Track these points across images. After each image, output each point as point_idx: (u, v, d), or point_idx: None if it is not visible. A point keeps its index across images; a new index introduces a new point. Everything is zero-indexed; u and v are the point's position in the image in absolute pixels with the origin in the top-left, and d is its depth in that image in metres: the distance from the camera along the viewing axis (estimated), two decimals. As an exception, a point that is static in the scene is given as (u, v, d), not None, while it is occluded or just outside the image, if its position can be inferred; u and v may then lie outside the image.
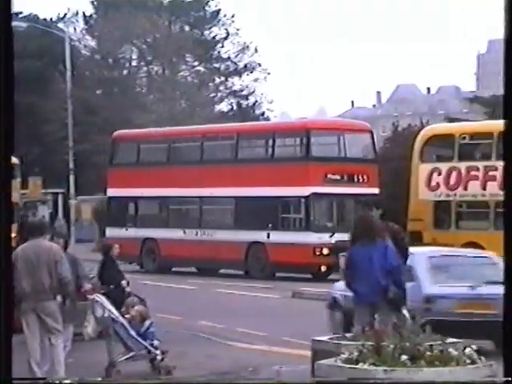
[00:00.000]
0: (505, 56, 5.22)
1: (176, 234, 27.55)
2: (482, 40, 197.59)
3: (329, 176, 25.33)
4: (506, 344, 5.32)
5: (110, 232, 29.32)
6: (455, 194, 25.54)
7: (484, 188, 25.22)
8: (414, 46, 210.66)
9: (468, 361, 6.94)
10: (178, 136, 29.83)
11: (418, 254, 12.77)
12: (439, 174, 25.93)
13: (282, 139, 27.30)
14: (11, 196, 6.23)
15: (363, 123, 28.91)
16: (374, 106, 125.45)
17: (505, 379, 5.43)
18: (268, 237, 25.69)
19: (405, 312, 9.32)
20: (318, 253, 24.59)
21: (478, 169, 25.48)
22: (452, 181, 25.64)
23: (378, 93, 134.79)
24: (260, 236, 25.81)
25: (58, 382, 8.48)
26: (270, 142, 26.63)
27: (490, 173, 25.07)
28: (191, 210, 28.91)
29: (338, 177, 25.49)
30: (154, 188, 28.37)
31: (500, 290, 13.11)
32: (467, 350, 7.07)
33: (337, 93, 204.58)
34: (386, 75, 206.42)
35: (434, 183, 26.02)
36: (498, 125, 26.63)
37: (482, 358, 6.97)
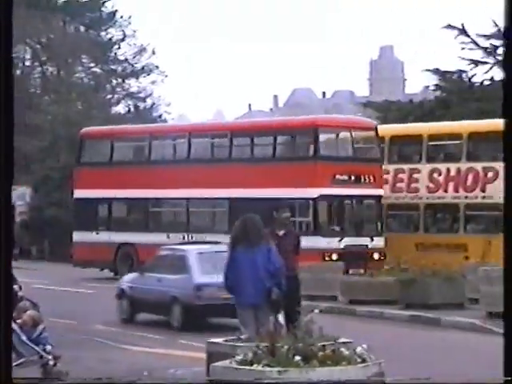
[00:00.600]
0: (504, 55, 5.27)
1: (158, 238, 25.15)
2: (374, 46, 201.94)
3: (337, 177, 23.77)
4: (506, 344, 5.37)
5: (78, 236, 27.57)
6: None
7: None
8: (309, 48, 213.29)
9: (359, 360, 7.09)
10: (161, 133, 27.99)
11: (190, 251, 16.38)
12: None
13: (285, 137, 25.34)
14: (11, 196, 6.00)
15: (369, 120, 26.64)
16: (271, 109, 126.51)
17: (505, 379, 5.49)
18: None
19: (279, 316, 9.40)
20: (327, 258, 22.76)
21: None
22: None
23: (275, 96, 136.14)
24: None
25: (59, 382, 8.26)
26: (271, 140, 24.77)
27: (385, 176, 25.60)
28: (177, 213, 26.99)
29: (345, 177, 23.92)
30: (131, 189, 26.50)
31: None
32: (358, 349, 7.22)
33: (234, 95, 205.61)
34: (283, 79, 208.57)
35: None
36: (390, 129, 27.28)
37: (372, 356, 7.13)
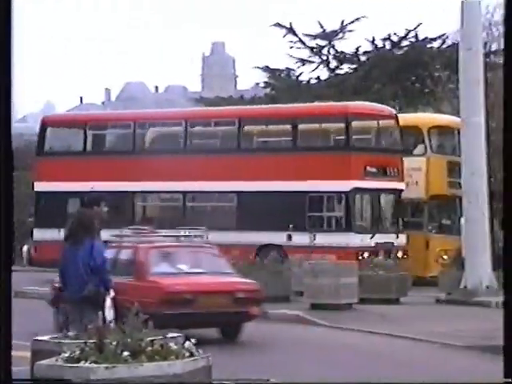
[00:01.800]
0: (504, 50, 5.28)
1: None
2: (206, 42, 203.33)
3: (367, 169, 21.88)
4: (506, 344, 5.31)
5: (40, 234, 24.44)
6: None
7: None
8: (142, 42, 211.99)
9: (187, 354, 7.14)
10: (152, 120, 25.21)
11: None
12: None
13: (311, 125, 22.91)
14: (13, 195, 5.48)
15: (389, 108, 24.43)
16: (103, 102, 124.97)
17: (505, 380, 5.43)
18: (289, 238, 21.59)
19: (110, 312, 9.30)
20: (360, 257, 20.70)
21: None
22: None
23: (107, 90, 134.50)
24: (276, 238, 21.56)
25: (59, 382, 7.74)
26: (290, 128, 22.56)
27: None
28: (170, 208, 24.33)
29: (374, 169, 22.08)
30: (111, 181, 23.62)
31: None
32: (187, 344, 7.27)
33: (66, 88, 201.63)
34: (115, 72, 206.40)
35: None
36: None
37: (200, 350, 7.21)
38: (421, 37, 36.46)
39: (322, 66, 37.93)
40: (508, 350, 5.31)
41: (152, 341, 7.13)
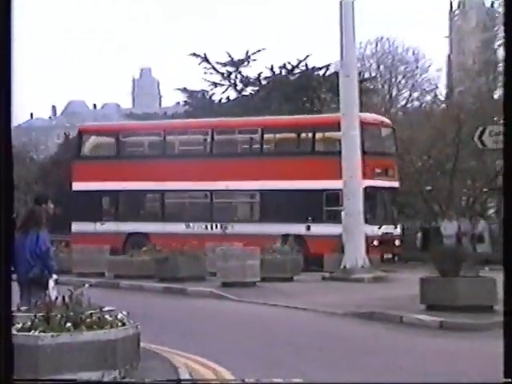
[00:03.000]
0: (505, 52, 5.22)
1: (175, 227, 22.62)
2: (136, 67, 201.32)
3: (375, 170, 22.40)
4: (506, 344, 4.82)
5: (77, 227, 24.02)
6: None
7: None
8: (81, 64, 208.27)
9: (120, 324, 7.23)
10: (180, 129, 24.76)
11: None
12: None
13: (330, 133, 22.67)
14: (13, 195, 5.14)
15: (388, 120, 24.60)
16: (50, 117, 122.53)
17: (505, 381, 4.89)
18: (308, 229, 22.06)
19: (53, 291, 9.31)
20: (371, 244, 21.06)
21: None
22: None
23: (54, 106, 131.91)
24: (296, 228, 21.69)
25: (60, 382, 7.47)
26: (310, 136, 22.78)
27: None
28: (199, 204, 23.76)
29: (379, 170, 22.65)
30: (143, 181, 23.57)
31: None
32: (119, 316, 7.37)
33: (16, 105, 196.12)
34: (60, 91, 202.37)
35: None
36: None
37: (131, 320, 7.30)
38: (310, 66, 37.10)
39: (230, 88, 38.21)
40: (508, 350, 4.77)
41: (91, 314, 7.20)
